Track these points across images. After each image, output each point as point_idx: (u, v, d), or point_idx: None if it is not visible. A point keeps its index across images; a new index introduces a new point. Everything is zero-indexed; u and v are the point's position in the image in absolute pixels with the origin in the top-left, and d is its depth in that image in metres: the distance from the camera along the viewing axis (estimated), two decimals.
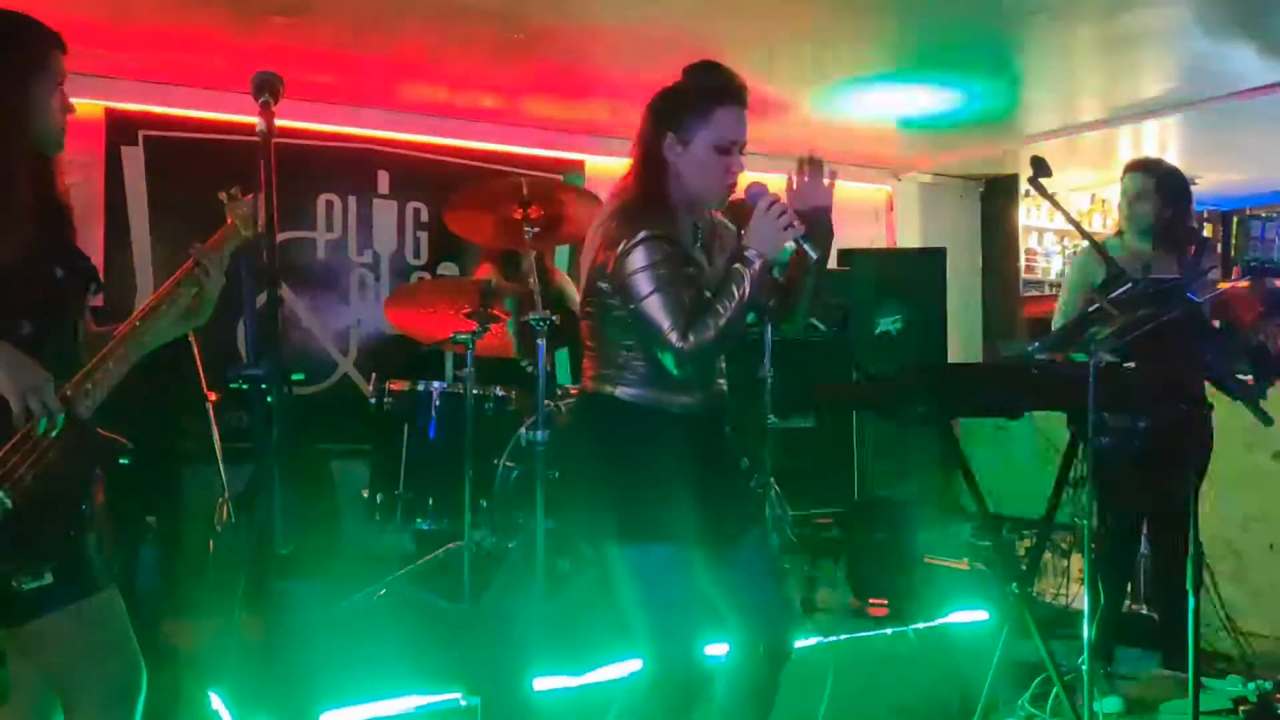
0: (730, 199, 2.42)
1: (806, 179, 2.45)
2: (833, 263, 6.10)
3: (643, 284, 2.21)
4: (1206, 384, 3.74)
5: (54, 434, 1.86)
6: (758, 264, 2.24)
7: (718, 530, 2.35)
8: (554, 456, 3.41)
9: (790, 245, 2.32)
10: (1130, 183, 3.83)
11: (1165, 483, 3.56)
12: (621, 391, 2.33)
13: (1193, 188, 4.01)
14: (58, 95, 2.04)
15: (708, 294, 2.27)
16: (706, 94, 2.34)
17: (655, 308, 2.21)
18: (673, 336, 2.19)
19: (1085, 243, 3.49)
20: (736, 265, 2.26)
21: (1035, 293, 7.56)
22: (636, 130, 2.40)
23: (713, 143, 2.31)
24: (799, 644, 3.45)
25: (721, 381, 2.46)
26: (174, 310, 2.09)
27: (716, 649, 2.40)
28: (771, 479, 4.29)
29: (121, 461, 2.03)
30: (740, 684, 2.45)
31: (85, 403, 1.93)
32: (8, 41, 1.99)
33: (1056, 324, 3.84)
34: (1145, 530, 3.93)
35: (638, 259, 2.22)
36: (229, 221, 2.28)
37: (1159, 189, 3.78)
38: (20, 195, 1.95)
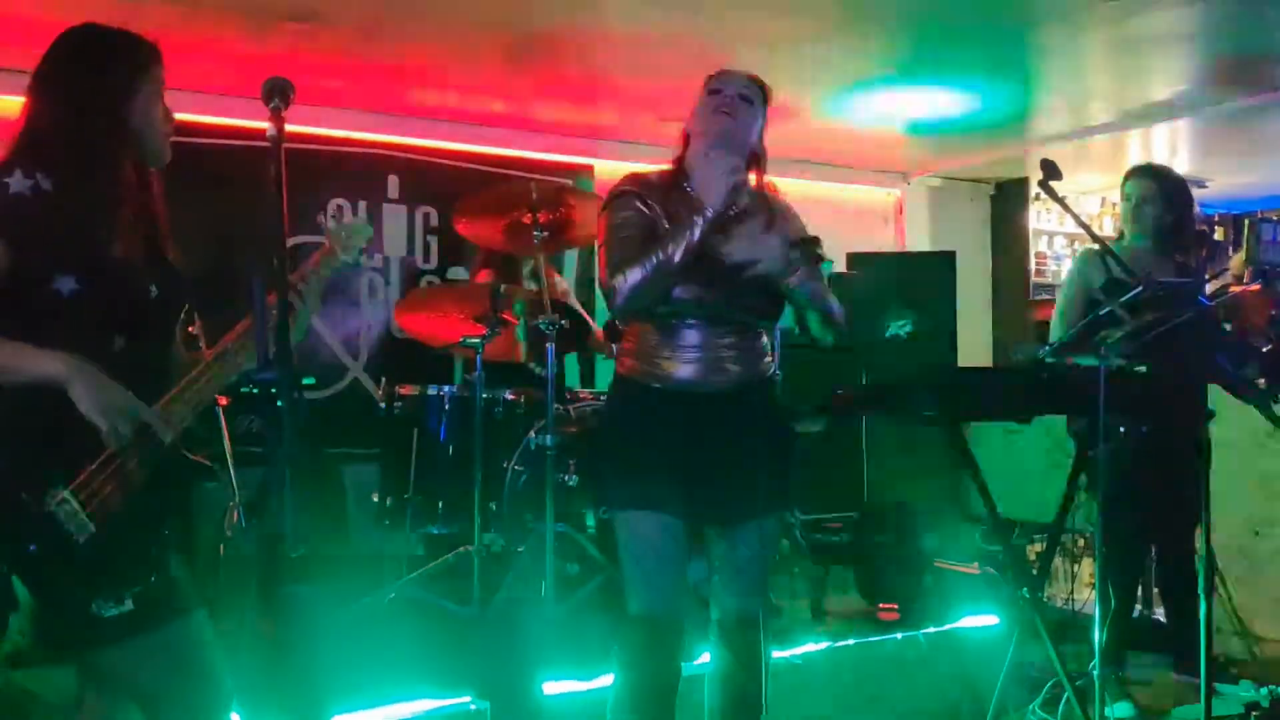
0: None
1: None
2: (841, 266, 6.13)
3: (601, 237, 2.42)
4: (1209, 389, 3.73)
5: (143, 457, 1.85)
6: (701, 219, 2.30)
7: (704, 506, 2.41)
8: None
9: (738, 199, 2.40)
10: (1133, 187, 3.83)
11: (1172, 487, 3.55)
12: (623, 366, 2.50)
13: (1203, 191, 4.01)
14: (161, 106, 2.06)
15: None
16: (708, 78, 2.54)
17: (601, 255, 2.39)
18: (604, 275, 2.35)
19: (1084, 245, 3.48)
20: (687, 216, 2.33)
21: (1045, 296, 7.54)
22: None
23: (706, 90, 2.50)
24: (809, 649, 3.49)
25: (732, 366, 2.43)
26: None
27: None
28: None
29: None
30: (718, 659, 2.55)
31: (173, 425, 1.92)
32: (115, 54, 2.02)
33: (1055, 325, 3.84)
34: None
35: (602, 219, 2.44)
36: (325, 245, 2.25)
37: (1161, 193, 3.77)
38: (126, 208, 1.96)
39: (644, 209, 2.40)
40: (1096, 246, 3.54)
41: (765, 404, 2.51)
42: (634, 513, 2.38)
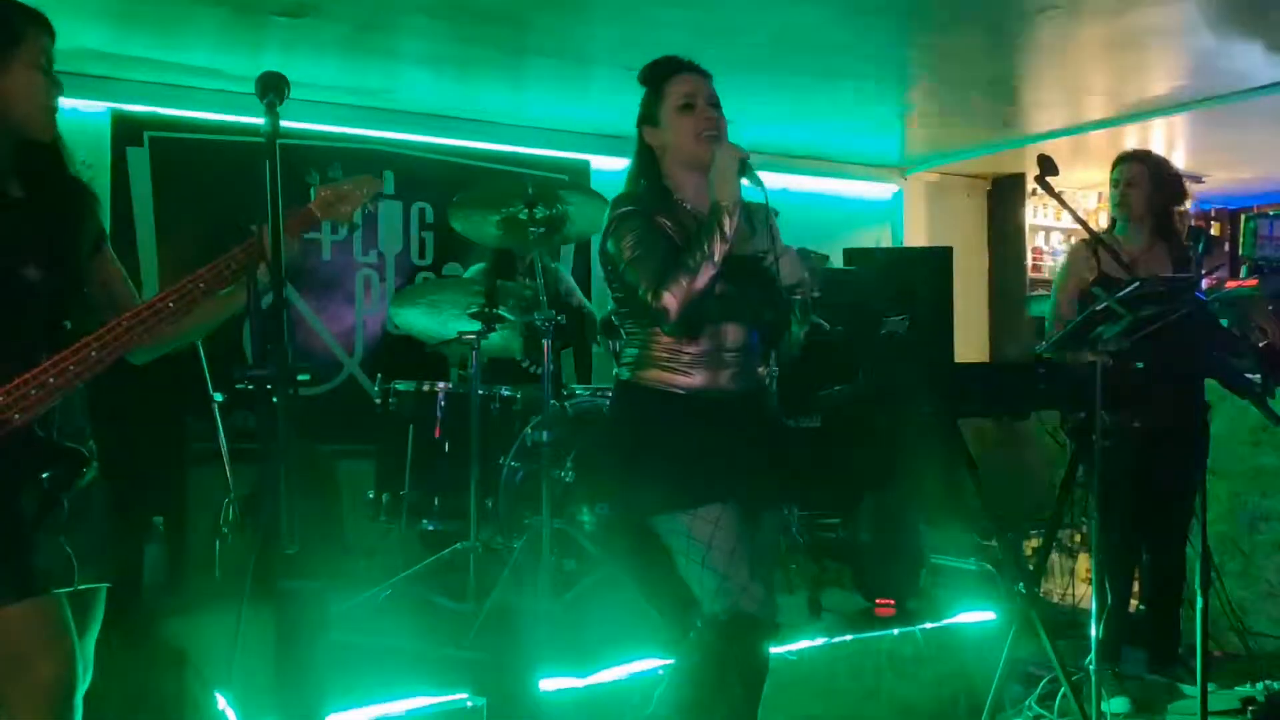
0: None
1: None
2: (838, 261, 6.12)
3: (625, 253, 2.37)
4: (1207, 384, 3.73)
5: None
6: (722, 212, 2.30)
7: (748, 492, 2.41)
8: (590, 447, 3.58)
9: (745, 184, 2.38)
10: (1120, 172, 3.85)
11: (1167, 481, 3.56)
12: (643, 377, 2.45)
13: (1201, 186, 4.01)
14: (40, 76, 1.98)
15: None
16: (655, 78, 2.53)
17: (632, 272, 2.35)
18: (648, 296, 2.30)
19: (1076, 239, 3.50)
20: (708, 221, 2.33)
21: (1042, 292, 7.54)
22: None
23: (674, 108, 2.47)
24: (806, 645, 3.49)
25: (762, 370, 2.54)
26: (178, 320, 2.03)
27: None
28: None
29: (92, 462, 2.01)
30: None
31: (20, 409, 1.86)
32: None
33: (1048, 318, 3.84)
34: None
35: (615, 237, 2.39)
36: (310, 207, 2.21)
37: (1149, 176, 3.79)
38: None
39: (652, 223, 2.38)
40: (1087, 237, 3.55)
41: (770, 406, 2.61)
42: (706, 508, 2.33)
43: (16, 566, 1.88)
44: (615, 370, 2.59)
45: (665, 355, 2.42)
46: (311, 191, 2.25)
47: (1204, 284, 3.71)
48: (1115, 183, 3.86)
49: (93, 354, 1.92)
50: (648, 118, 2.52)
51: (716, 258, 2.28)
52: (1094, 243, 3.50)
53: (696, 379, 2.41)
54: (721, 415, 2.42)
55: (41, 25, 2.00)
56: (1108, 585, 3.66)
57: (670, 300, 2.27)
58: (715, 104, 2.49)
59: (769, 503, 2.54)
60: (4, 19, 1.96)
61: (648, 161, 2.53)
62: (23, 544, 1.90)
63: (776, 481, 2.54)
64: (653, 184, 2.50)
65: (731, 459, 2.39)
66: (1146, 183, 3.78)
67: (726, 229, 2.30)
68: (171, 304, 1.99)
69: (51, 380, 1.88)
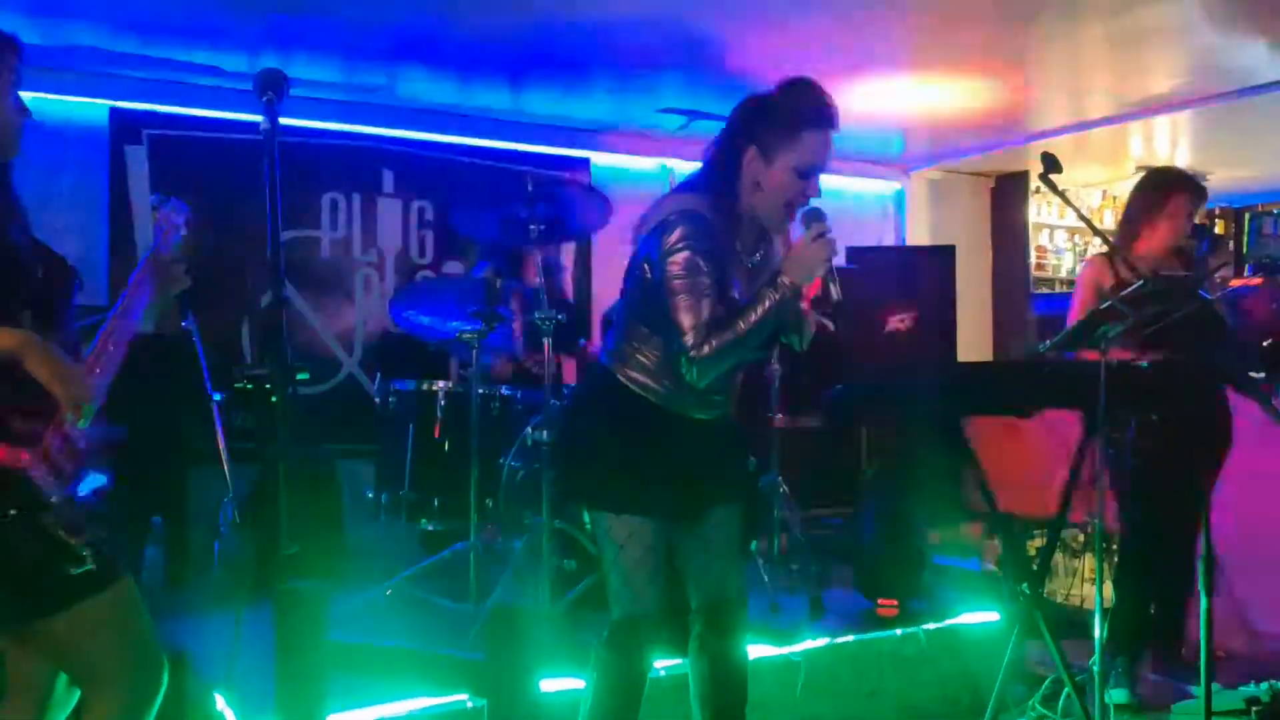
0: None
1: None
2: (842, 260, 6.11)
3: (676, 284, 2.25)
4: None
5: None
6: (786, 292, 2.27)
7: (683, 503, 2.42)
8: (556, 417, 3.46)
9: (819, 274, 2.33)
10: (1181, 203, 3.77)
11: (1172, 481, 3.54)
12: (624, 373, 2.40)
13: (1203, 184, 3.98)
14: (9, 97, 1.98)
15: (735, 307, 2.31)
16: (798, 115, 2.33)
17: (680, 309, 2.25)
18: (688, 339, 2.24)
19: (1098, 241, 3.47)
20: (767, 288, 2.28)
21: (1046, 290, 7.54)
22: (723, 128, 2.42)
23: (795, 164, 2.33)
24: (809, 645, 3.47)
25: (719, 399, 2.47)
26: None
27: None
28: (779, 479, 4.27)
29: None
30: (697, 658, 2.56)
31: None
32: None
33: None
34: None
35: (679, 259, 2.25)
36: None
37: (1196, 209, 3.73)
38: None
39: (706, 259, 2.27)
40: (1104, 250, 3.53)
41: (730, 415, 2.56)
42: (626, 516, 2.36)
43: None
44: (604, 351, 2.51)
45: (651, 364, 2.38)
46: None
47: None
48: (1172, 213, 3.73)
49: (110, 346, 2.02)
50: (763, 143, 2.33)
51: (758, 327, 2.26)
52: (1109, 252, 3.49)
53: (671, 392, 2.38)
54: (685, 427, 2.41)
55: (13, 50, 2.00)
56: (1126, 585, 3.66)
57: (705, 356, 2.24)
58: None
59: (716, 501, 2.50)
60: None
61: (729, 180, 2.36)
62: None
63: (727, 481, 2.52)
64: (722, 207, 2.36)
65: (677, 469, 2.39)
66: (1196, 212, 3.73)
67: (777, 305, 2.26)
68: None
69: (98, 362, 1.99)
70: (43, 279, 1.99)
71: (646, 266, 2.35)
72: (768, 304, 2.26)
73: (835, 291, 2.33)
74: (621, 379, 2.41)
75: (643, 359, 2.39)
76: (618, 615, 2.41)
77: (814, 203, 2.39)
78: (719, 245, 2.31)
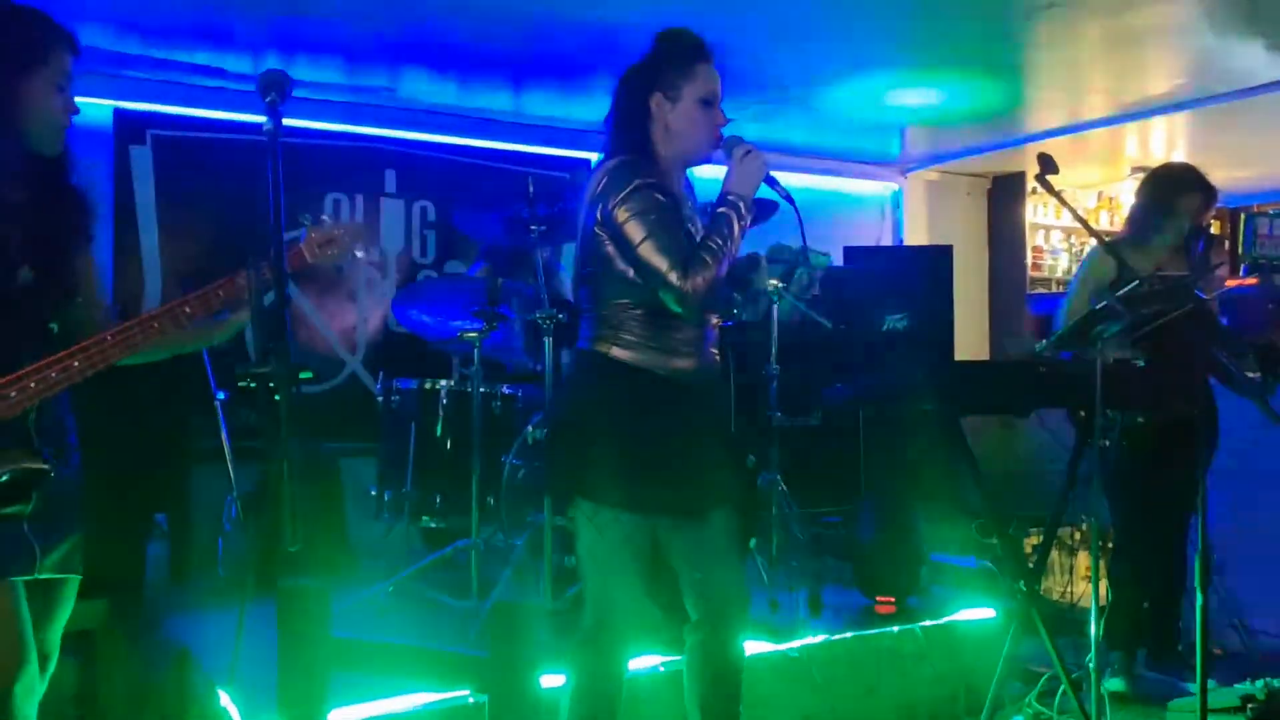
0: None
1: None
2: (838, 260, 6.13)
3: (636, 231, 2.30)
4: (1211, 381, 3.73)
5: None
6: (741, 205, 2.34)
7: (686, 503, 2.41)
8: (547, 411, 3.47)
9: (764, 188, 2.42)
10: (1204, 209, 3.77)
11: (1166, 479, 3.56)
12: (615, 352, 2.39)
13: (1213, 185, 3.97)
14: (58, 95, 2.01)
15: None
16: (687, 52, 2.46)
17: (651, 251, 2.29)
18: (673, 276, 2.27)
19: (1094, 241, 3.48)
20: (721, 209, 2.35)
21: (1042, 290, 7.55)
22: (613, 103, 2.53)
23: (699, 96, 2.44)
24: (806, 641, 3.50)
25: (714, 350, 2.50)
26: (165, 338, 2.08)
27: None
28: (778, 477, 4.28)
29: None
30: (693, 664, 2.55)
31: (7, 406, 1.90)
32: (10, 33, 1.97)
33: (1066, 324, 3.83)
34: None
35: (631, 207, 2.31)
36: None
37: (1206, 206, 3.74)
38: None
39: (663, 198, 2.34)
40: (1105, 243, 3.54)
41: (724, 391, 2.58)
42: (606, 510, 2.36)
43: None
44: (583, 341, 2.48)
45: (637, 336, 2.37)
46: (302, 232, 2.28)
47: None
48: (1182, 213, 3.72)
49: (75, 364, 1.96)
50: (665, 86, 2.43)
51: (733, 249, 2.32)
52: (1107, 247, 3.50)
53: (663, 361, 2.38)
54: (682, 403, 2.39)
55: (67, 44, 2.02)
56: (1124, 582, 3.68)
57: (698, 284, 2.27)
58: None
59: (717, 502, 2.48)
60: (34, 35, 1.99)
61: (642, 132, 2.44)
62: None
63: (728, 479, 2.52)
64: (646, 156, 2.43)
65: (675, 460, 2.38)
66: (1205, 210, 3.73)
67: (747, 222, 2.35)
68: (157, 324, 2.04)
69: (33, 385, 1.92)
70: (22, 285, 1.97)
71: (602, 236, 2.36)
72: (733, 222, 2.32)
73: (782, 192, 2.44)
74: (614, 356, 2.38)
75: (627, 335, 2.38)
76: (590, 614, 2.43)
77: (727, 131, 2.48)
78: (663, 185, 2.37)
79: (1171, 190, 3.76)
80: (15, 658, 1.96)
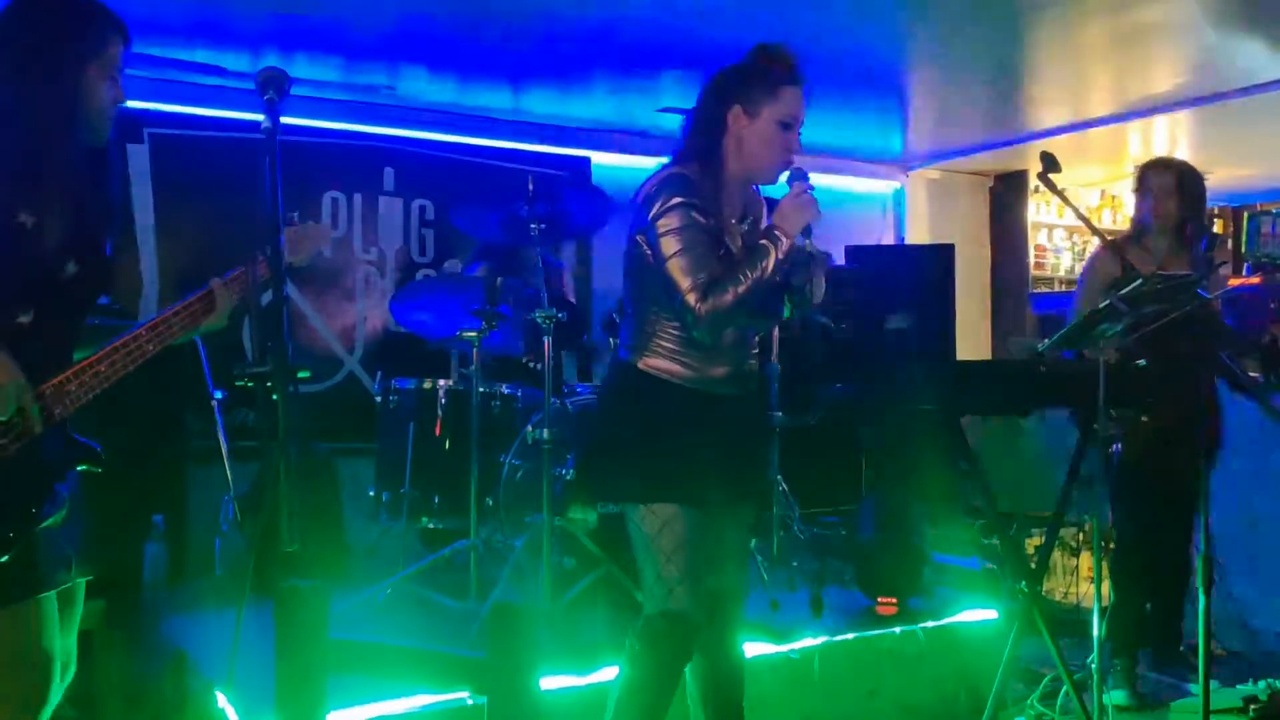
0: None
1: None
2: (840, 259, 6.12)
3: (670, 245, 2.31)
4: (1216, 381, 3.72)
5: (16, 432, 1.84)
6: (784, 243, 2.34)
7: (712, 491, 2.42)
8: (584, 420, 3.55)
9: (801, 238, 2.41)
10: (1154, 181, 3.78)
11: (1169, 480, 3.55)
12: (645, 363, 2.42)
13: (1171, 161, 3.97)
14: (110, 85, 2.01)
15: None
16: (774, 71, 2.44)
17: (676, 268, 2.30)
18: (690, 297, 2.29)
19: (1096, 240, 3.46)
20: (763, 241, 2.35)
21: (1044, 289, 7.54)
22: (700, 100, 2.50)
23: (779, 118, 2.43)
24: (808, 643, 3.48)
25: (753, 362, 2.53)
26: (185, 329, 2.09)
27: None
28: (779, 477, 4.27)
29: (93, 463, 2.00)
30: (695, 662, 2.53)
31: (62, 404, 1.89)
32: (69, 23, 1.96)
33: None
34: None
35: (668, 221, 2.32)
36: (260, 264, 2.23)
37: (1180, 186, 3.74)
38: (54, 182, 1.92)
39: (702, 219, 2.35)
40: (1108, 242, 3.53)
41: (758, 397, 2.62)
42: (660, 505, 2.37)
43: (28, 563, 1.88)
44: (620, 348, 2.53)
45: (672, 345, 2.40)
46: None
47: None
48: (1147, 191, 3.78)
49: (116, 358, 1.96)
50: (746, 100, 2.42)
51: (764, 281, 2.32)
52: (1112, 246, 3.49)
53: (698, 370, 2.41)
54: (715, 410, 2.43)
55: (121, 34, 2.02)
56: (1124, 583, 3.66)
57: (712, 309, 2.29)
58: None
59: (740, 497, 2.53)
60: (91, 25, 1.98)
61: (714, 141, 2.44)
62: (34, 541, 1.90)
63: (756, 478, 2.60)
64: (710, 169, 2.43)
65: (710, 457, 2.40)
66: (1178, 192, 3.73)
67: (780, 257, 2.34)
68: (147, 335, 2.03)
69: (88, 377, 1.92)
70: (70, 278, 1.96)
71: (642, 243, 2.39)
72: (770, 257, 2.32)
73: (810, 245, 2.42)
74: (643, 368, 2.42)
75: (663, 343, 2.41)
76: (650, 610, 2.41)
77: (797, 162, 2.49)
78: (709, 206, 2.37)
79: (1145, 169, 3.80)
80: (48, 677, 1.96)
